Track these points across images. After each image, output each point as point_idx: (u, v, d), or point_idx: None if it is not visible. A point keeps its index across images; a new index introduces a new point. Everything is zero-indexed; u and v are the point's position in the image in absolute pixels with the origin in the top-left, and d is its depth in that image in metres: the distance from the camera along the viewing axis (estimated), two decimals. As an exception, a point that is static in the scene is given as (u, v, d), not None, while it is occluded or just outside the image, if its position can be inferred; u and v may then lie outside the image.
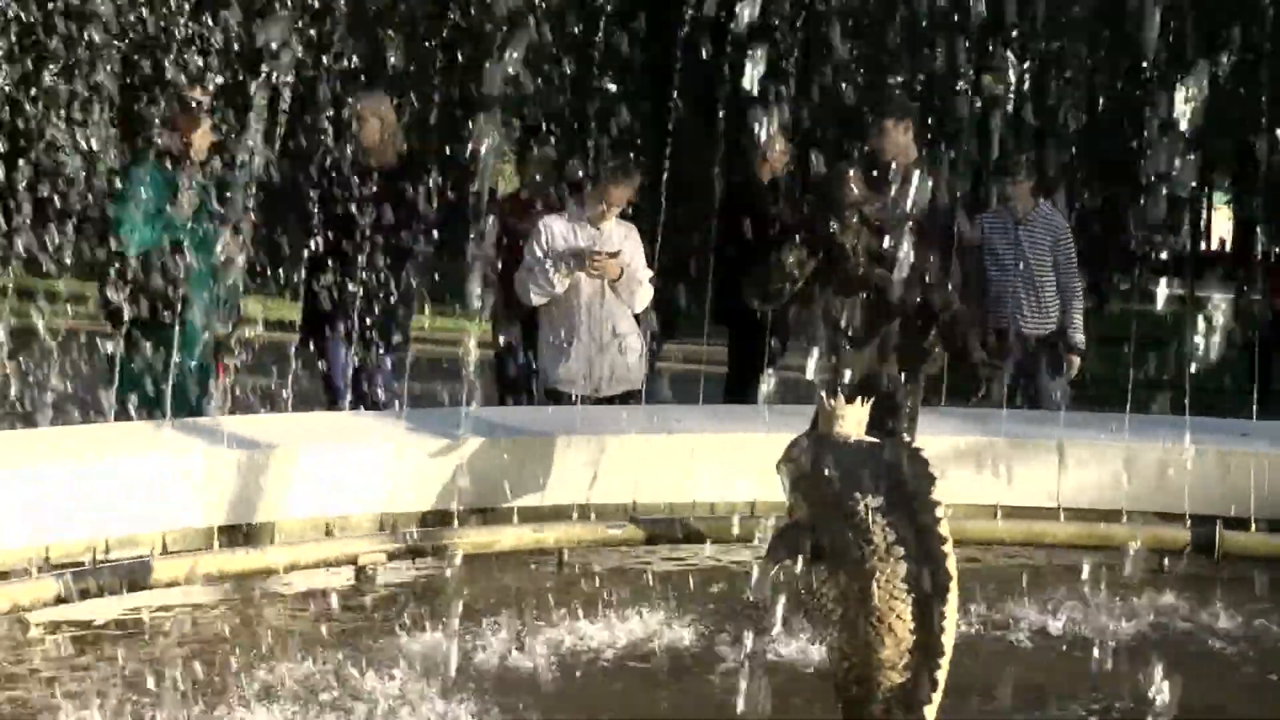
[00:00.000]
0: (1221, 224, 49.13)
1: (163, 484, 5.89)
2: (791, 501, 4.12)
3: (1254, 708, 4.94)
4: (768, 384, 7.50)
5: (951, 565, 3.79)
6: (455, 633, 5.17)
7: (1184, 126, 5.91)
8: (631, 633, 5.41)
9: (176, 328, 7.27)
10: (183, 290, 7.42)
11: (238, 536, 5.93)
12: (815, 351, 5.97)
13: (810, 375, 5.81)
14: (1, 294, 6.89)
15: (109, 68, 8.45)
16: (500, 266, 9.98)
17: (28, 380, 6.87)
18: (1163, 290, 14.59)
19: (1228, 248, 46.43)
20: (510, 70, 6.47)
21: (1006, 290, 9.67)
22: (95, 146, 8.37)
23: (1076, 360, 9.78)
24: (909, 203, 6.05)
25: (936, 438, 6.32)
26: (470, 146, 6.50)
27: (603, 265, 7.87)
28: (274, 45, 6.58)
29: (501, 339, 9.48)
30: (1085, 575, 5.89)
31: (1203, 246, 45.03)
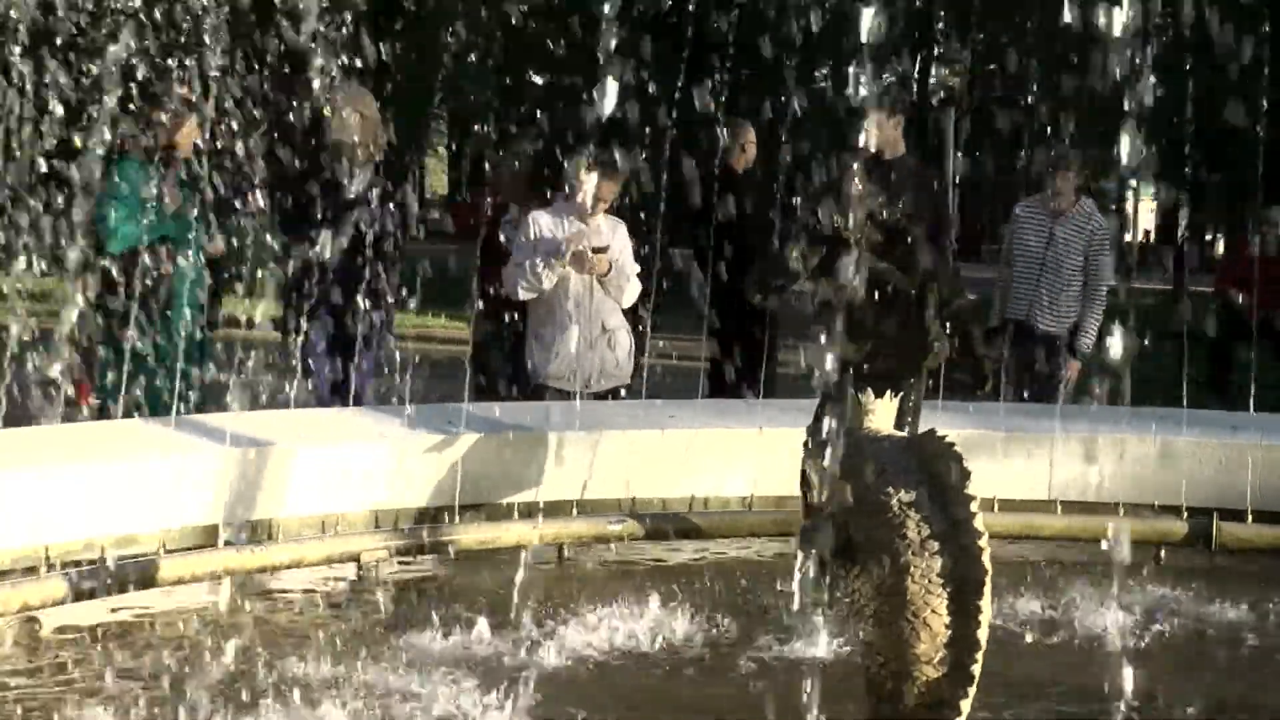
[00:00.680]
0: (1145, 215, 49.21)
1: (161, 482, 5.84)
2: (821, 497, 4.10)
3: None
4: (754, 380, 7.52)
5: (987, 559, 3.78)
6: (460, 629, 5.16)
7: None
8: (640, 628, 5.37)
9: (160, 324, 7.19)
10: (167, 287, 7.35)
11: (238, 534, 5.88)
12: (817, 346, 5.97)
13: (810, 368, 5.83)
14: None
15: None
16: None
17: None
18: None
19: (1152, 239, 46.82)
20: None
21: (1028, 283, 9.43)
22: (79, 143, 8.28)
23: (1076, 365, 9.51)
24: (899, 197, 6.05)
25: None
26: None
27: (591, 260, 7.84)
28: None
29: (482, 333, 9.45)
30: (1085, 567, 5.93)
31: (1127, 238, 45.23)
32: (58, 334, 6.62)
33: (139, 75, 7.93)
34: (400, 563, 6.00)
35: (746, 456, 6.88)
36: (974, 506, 3.81)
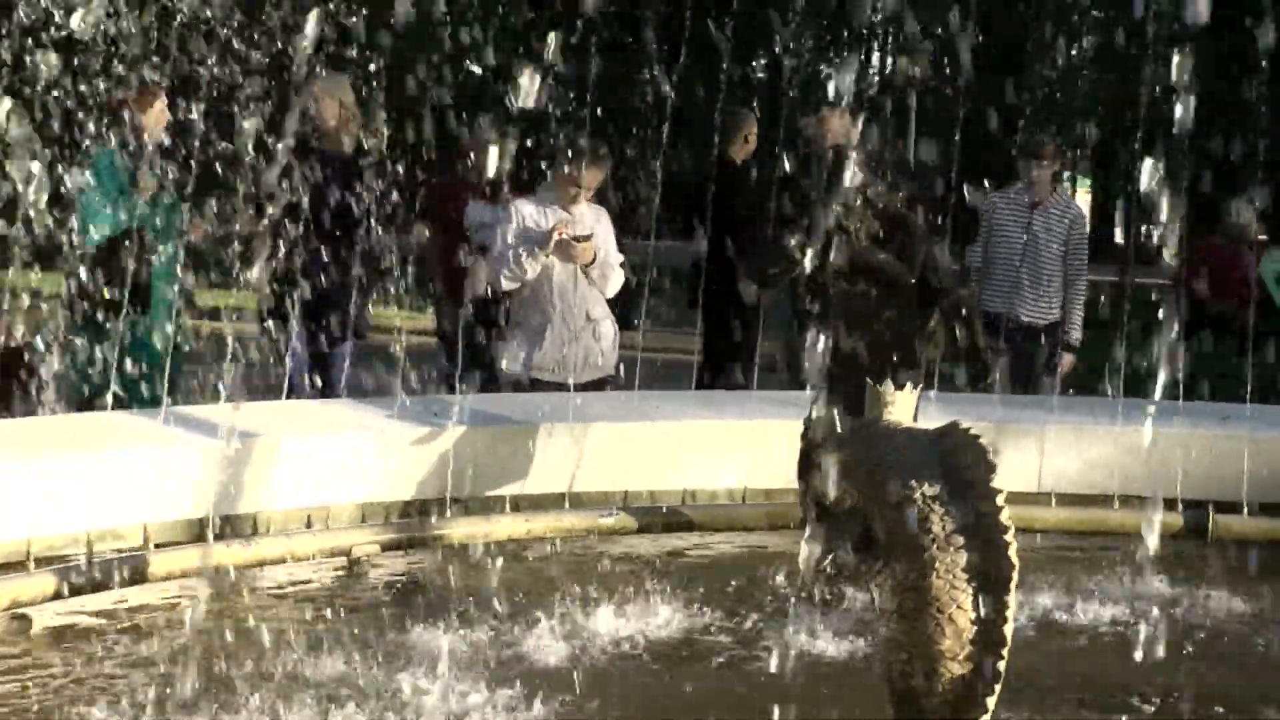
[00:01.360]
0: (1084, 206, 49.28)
1: (146, 475, 5.74)
2: (839, 490, 4.02)
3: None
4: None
5: (1014, 554, 3.71)
6: (456, 624, 5.07)
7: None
8: (637, 621, 5.29)
9: (140, 313, 7.06)
10: (146, 275, 7.22)
11: (225, 528, 5.78)
12: (814, 337, 5.92)
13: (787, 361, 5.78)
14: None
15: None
16: (439, 252, 9.89)
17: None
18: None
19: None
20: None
21: (1008, 274, 9.31)
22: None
23: (1070, 359, 9.40)
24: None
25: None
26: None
27: (576, 249, 7.74)
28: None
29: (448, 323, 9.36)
30: (1085, 560, 5.89)
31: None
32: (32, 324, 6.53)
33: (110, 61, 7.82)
34: (391, 557, 5.89)
35: (736, 448, 6.81)
36: (1000, 500, 3.74)
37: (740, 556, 6.15)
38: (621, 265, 8.10)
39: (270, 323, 8.66)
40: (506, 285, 7.89)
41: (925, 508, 3.77)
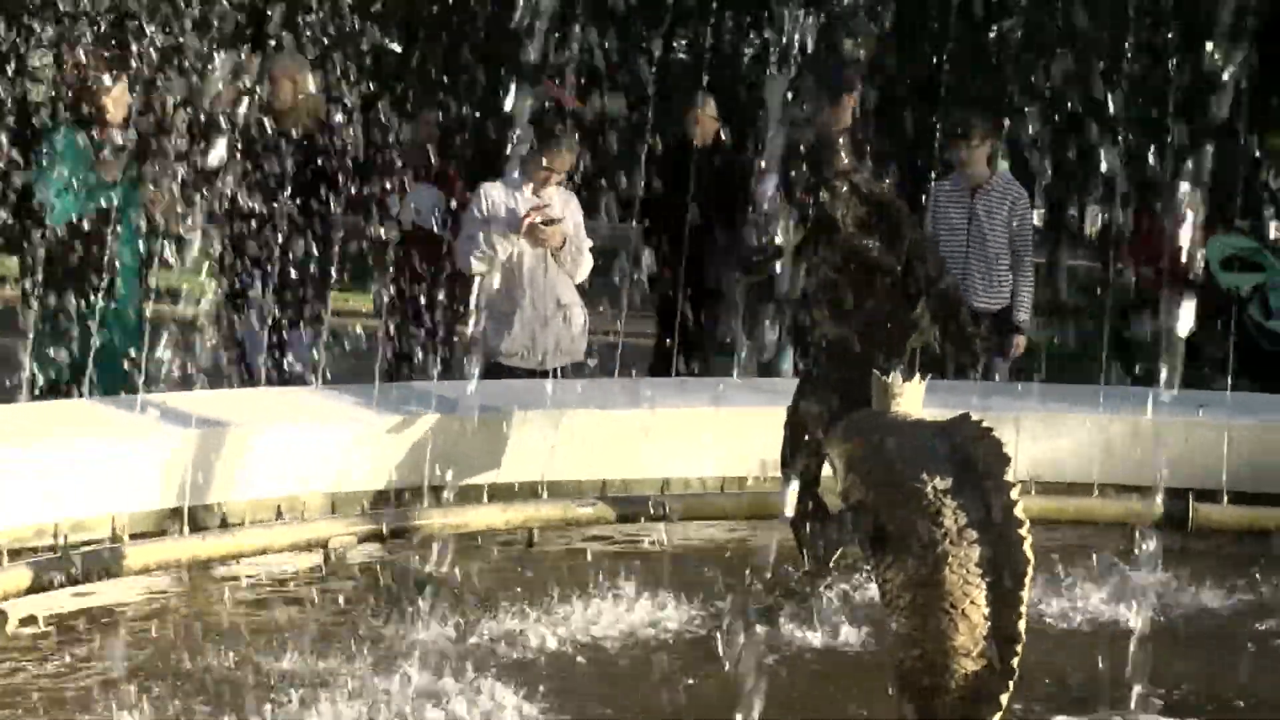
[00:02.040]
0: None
1: (115, 465, 5.60)
2: (847, 483, 3.94)
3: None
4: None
5: (1028, 548, 3.65)
6: (439, 616, 4.97)
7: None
8: (616, 614, 5.20)
9: (102, 298, 6.91)
10: (110, 259, 7.07)
11: (198, 519, 5.66)
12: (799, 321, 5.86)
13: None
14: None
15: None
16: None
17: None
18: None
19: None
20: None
21: (955, 262, 9.01)
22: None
23: (1021, 341, 9.29)
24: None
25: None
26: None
27: (546, 233, 7.64)
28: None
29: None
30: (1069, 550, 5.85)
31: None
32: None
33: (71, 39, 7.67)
34: (369, 549, 5.78)
35: (712, 436, 6.72)
36: (1014, 494, 3.67)
37: (723, 547, 6.06)
38: (590, 249, 8.01)
39: (226, 306, 8.54)
40: (475, 269, 7.79)
41: (937, 501, 3.70)
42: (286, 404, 6.63)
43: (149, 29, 7.65)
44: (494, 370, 7.76)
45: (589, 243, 7.98)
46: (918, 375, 4.00)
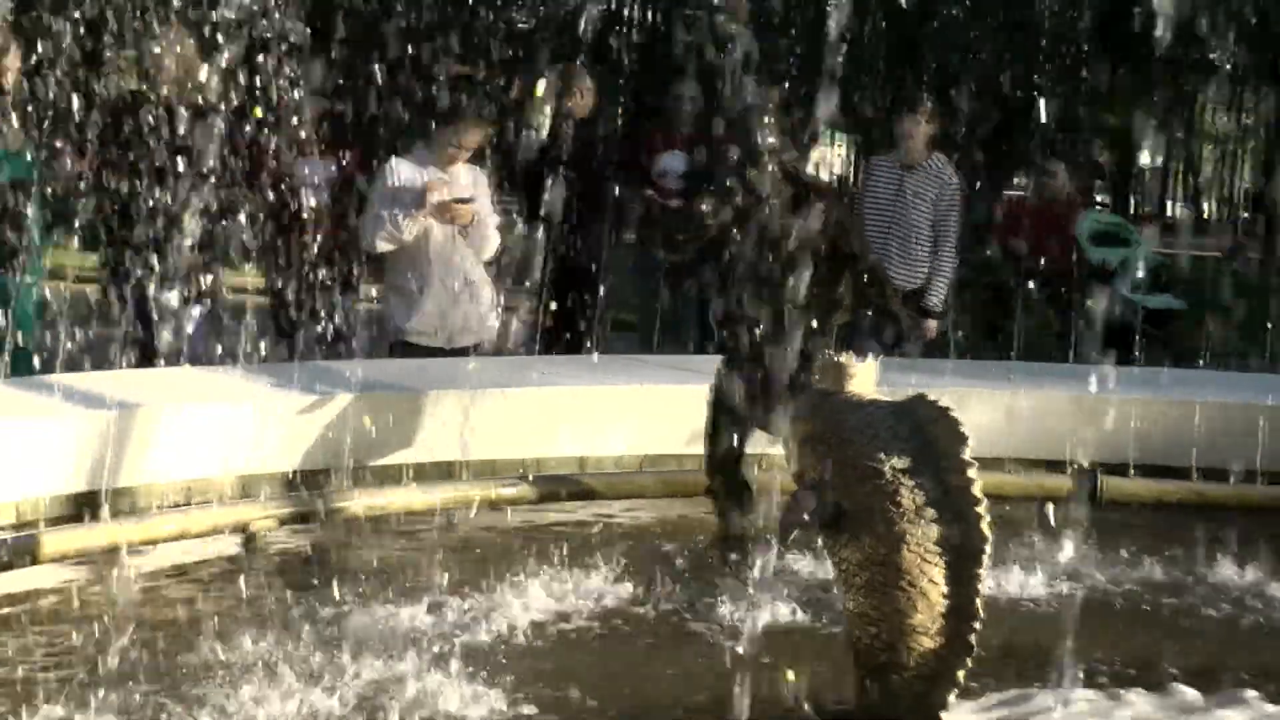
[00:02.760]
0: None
1: (17, 449, 5.47)
2: (802, 462, 3.95)
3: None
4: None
5: (986, 527, 3.68)
6: (367, 600, 4.91)
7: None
8: (550, 594, 5.16)
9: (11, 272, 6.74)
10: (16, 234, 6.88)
11: (105, 504, 5.54)
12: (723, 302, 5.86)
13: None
14: None
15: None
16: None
17: None
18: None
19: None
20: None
21: (878, 237, 9.02)
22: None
23: (932, 325, 9.29)
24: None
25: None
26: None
27: (455, 210, 7.56)
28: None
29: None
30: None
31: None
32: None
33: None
34: (291, 532, 5.70)
35: (628, 415, 6.71)
36: (971, 473, 3.71)
37: (651, 525, 6.05)
38: (498, 227, 7.95)
39: (112, 282, 8.34)
40: (382, 247, 7.69)
41: (895, 481, 3.72)
42: (194, 384, 6.50)
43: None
44: (402, 349, 7.68)
45: (496, 220, 7.91)
46: (870, 355, 4.01)
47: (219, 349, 7.62)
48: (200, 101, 8.40)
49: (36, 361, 6.93)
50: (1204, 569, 5.67)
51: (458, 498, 6.06)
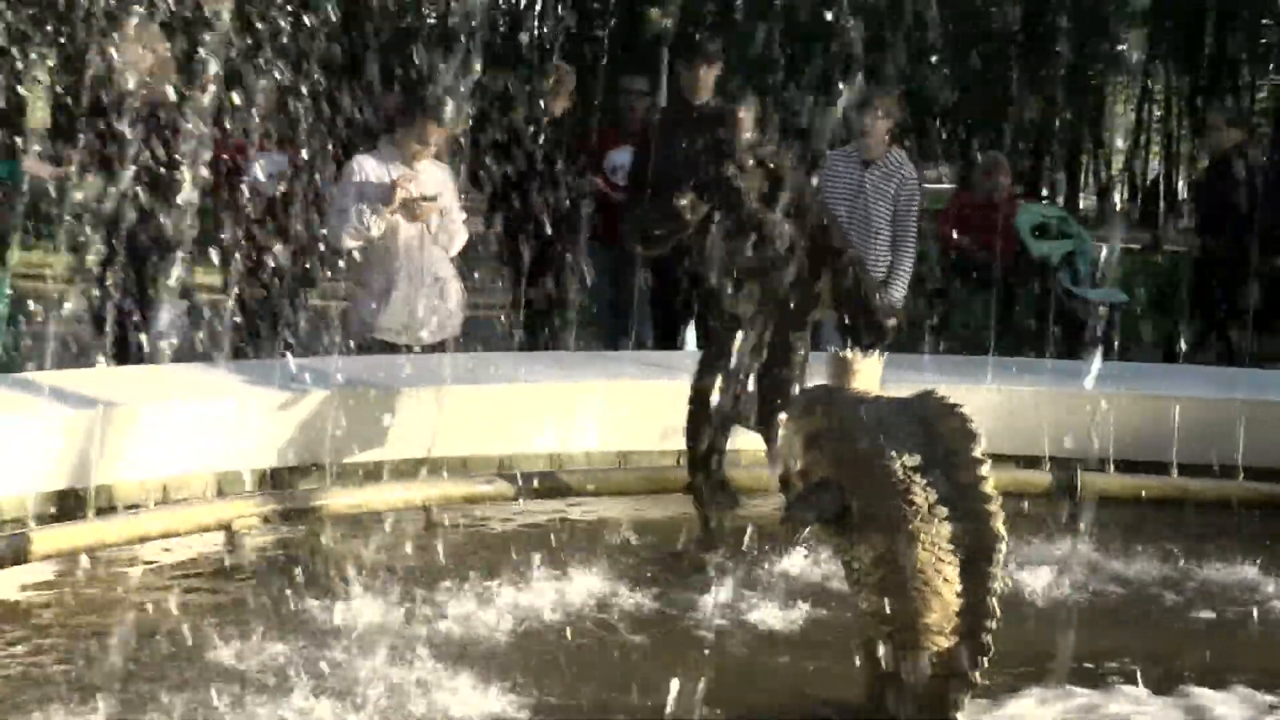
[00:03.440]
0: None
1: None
2: (808, 461, 3.93)
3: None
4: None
5: (999, 524, 3.67)
6: (358, 598, 4.86)
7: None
8: (537, 592, 5.12)
9: None
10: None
11: (83, 503, 5.47)
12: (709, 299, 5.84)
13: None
14: None
15: None
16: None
17: None
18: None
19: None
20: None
21: None
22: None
23: (890, 322, 9.31)
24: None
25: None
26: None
27: (421, 207, 7.50)
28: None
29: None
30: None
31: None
32: None
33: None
34: (272, 530, 5.64)
35: (600, 410, 6.67)
36: (984, 470, 3.70)
37: (630, 522, 6.01)
38: (465, 223, 7.89)
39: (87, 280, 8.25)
40: (349, 244, 7.62)
41: (906, 479, 3.71)
42: (171, 381, 6.43)
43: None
44: (370, 346, 7.61)
45: (463, 216, 7.85)
46: (875, 351, 4.00)
47: (194, 346, 7.56)
48: (173, 97, 8.32)
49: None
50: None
51: (436, 495, 6.00)
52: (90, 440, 5.64)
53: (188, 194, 8.22)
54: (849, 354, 3.95)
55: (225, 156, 9.67)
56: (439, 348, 7.66)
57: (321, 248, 8.45)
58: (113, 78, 8.25)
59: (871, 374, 3.96)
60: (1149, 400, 6.83)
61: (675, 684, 3.81)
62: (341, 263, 7.88)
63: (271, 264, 9.31)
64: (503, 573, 5.15)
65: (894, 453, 3.73)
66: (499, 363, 7.12)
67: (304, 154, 9.69)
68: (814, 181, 8.24)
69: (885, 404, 3.85)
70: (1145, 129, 40.41)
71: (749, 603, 4.95)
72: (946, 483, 3.70)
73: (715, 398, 5.70)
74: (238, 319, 9.26)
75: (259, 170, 9.52)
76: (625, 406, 6.68)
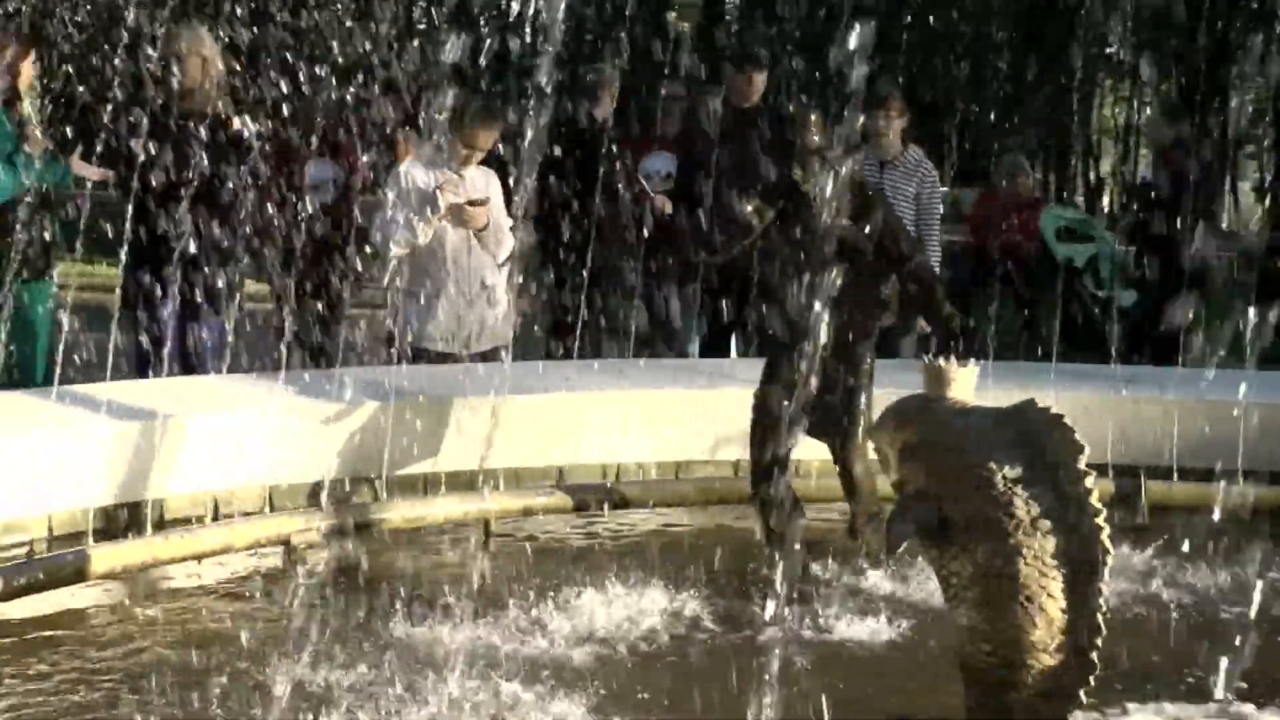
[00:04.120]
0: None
1: (43, 461, 5.29)
2: (904, 472, 3.81)
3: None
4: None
5: (1105, 538, 3.55)
6: (432, 615, 4.76)
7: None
8: (624, 606, 5.01)
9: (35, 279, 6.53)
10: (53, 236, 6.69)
11: (138, 517, 5.39)
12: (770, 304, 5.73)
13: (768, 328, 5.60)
14: None
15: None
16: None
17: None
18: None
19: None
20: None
21: None
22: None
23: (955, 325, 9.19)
24: None
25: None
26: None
27: (469, 213, 7.38)
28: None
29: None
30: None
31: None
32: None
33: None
34: (332, 543, 5.53)
35: (652, 420, 6.57)
36: (1088, 482, 3.57)
37: (691, 534, 5.90)
38: (512, 229, 7.77)
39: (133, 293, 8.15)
40: (396, 252, 7.48)
41: (1009, 491, 3.59)
42: (218, 393, 6.33)
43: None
44: (417, 355, 7.49)
45: (510, 222, 7.72)
46: (971, 360, 3.88)
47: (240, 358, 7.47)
48: (223, 110, 8.22)
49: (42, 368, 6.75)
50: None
51: (492, 509, 5.89)
52: (141, 454, 5.56)
53: (241, 203, 8.17)
54: (944, 363, 3.83)
55: (278, 165, 9.59)
56: (489, 356, 7.54)
57: (366, 255, 8.37)
58: (166, 87, 8.13)
59: (967, 383, 3.84)
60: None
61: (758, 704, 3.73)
62: (388, 271, 7.77)
63: (321, 274, 9.24)
64: (573, 585, 5.06)
65: (994, 464, 3.61)
66: (550, 371, 7.01)
67: (364, 159, 9.66)
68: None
69: (984, 414, 3.73)
70: (1135, 131, 40.24)
71: (835, 617, 4.85)
72: (1051, 495, 3.58)
73: (779, 407, 5.59)
74: (291, 329, 9.17)
75: (313, 179, 9.46)
76: (679, 416, 6.57)
